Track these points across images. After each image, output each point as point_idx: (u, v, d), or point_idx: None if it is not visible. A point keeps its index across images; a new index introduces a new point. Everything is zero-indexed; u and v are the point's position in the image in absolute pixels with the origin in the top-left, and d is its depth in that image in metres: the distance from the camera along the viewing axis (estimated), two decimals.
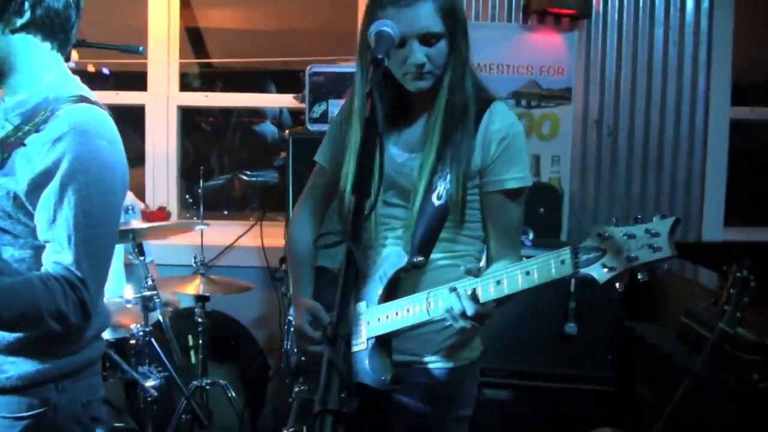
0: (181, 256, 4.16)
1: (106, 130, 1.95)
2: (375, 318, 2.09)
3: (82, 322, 1.91)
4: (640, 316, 3.94)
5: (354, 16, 4.55)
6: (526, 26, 4.49)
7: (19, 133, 1.92)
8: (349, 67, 3.90)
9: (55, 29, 1.97)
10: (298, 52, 4.82)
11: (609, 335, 3.84)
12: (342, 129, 2.26)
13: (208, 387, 3.75)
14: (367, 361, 2.09)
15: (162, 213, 4.71)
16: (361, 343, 2.11)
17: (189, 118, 5.37)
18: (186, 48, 5.40)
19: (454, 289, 1.91)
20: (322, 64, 3.96)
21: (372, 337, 2.10)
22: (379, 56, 1.69)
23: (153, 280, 3.32)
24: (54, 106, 1.92)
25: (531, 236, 4.09)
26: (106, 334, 3.30)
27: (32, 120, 1.92)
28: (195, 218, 4.50)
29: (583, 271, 1.71)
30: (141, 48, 2.89)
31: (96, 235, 1.90)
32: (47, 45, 1.98)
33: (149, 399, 3.19)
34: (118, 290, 3.73)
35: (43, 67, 1.98)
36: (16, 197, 1.88)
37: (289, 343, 2.38)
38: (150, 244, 3.91)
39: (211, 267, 4.27)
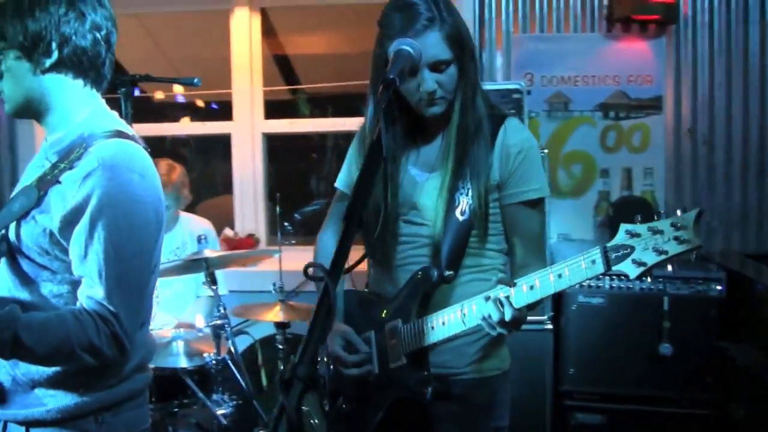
0: (265, 283, 4.16)
1: (136, 164, 1.94)
2: (411, 334, 2.13)
3: (118, 356, 1.90)
4: (737, 336, 3.70)
5: None
6: (611, 35, 4.34)
7: (55, 171, 1.94)
8: None
9: (85, 67, 1.99)
10: None
11: (705, 356, 3.63)
12: (359, 153, 2.34)
13: None
14: (405, 376, 2.14)
15: (250, 240, 4.75)
16: (399, 359, 2.15)
17: (286, 144, 5.44)
18: (276, 75, 5.48)
19: (489, 297, 1.96)
20: None
21: (409, 353, 2.13)
22: (391, 77, 1.67)
23: (225, 309, 3.32)
24: (88, 142, 1.93)
25: None
26: (184, 363, 3.35)
27: (68, 157, 1.94)
28: (293, 242, 4.51)
29: (615, 268, 1.77)
30: (196, 80, 2.95)
31: (128, 268, 1.89)
32: (80, 82, 2.00)
33: (222, 426, 3.18)
34: (179, 313, 3.79)
35: (76, 105, 2.00)
36: (51, 234, 1.90)
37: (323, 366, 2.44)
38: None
39: (299, 292, 4.26)
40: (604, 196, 4.36)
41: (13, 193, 2.02)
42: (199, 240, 3.43)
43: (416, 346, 2.11)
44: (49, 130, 2.03)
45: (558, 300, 3.78)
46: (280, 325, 3.71)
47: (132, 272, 1.91)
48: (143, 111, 5.73)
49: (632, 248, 1.73)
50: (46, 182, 1.94)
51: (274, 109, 4.97)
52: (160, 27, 5.47)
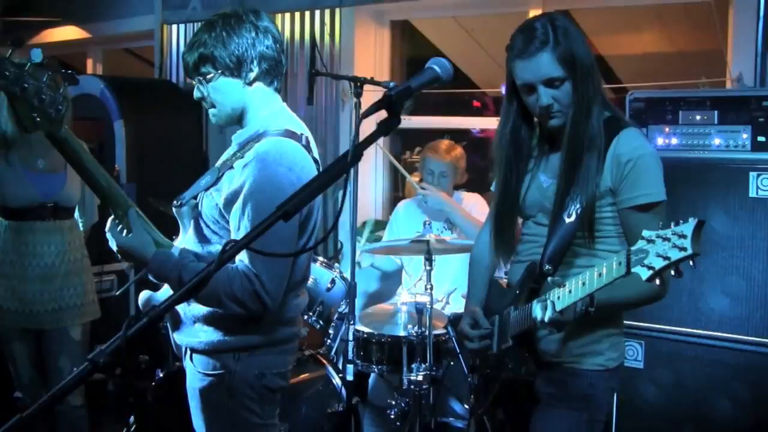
0: None
1: (286, 159, 2.33)
2: (516, 320, 2.44)
3: (261, 310, 2.30)
4: None
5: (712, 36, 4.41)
6: None
7: (233, 158, 2.43)
8: (671, 91, 3.86)
9: (273, 73, 2.48)
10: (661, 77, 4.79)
11: None
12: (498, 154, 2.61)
13: None
14: (510, 355, 2.50)
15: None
16: (507, 342, 2.48)
17: None
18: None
19: (542, 299, 2.25)
20: (645, 90, 3.94)
21: (514, 335, 2.45)
22: (391, 93, 1.70)
23: (431, 288, 3.63)
24: (260, 138, 2.38)
25: None
26: (402, 332, 3.80)
27: (243, 149, 2.43)
28: None
29: (633, 270, 1.94)
30: (392, 83, 3.31)
31: (269, 242, 2.27)
32: (271, 88, 2.49)
33: (416, 392, 3.54)
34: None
35: (262, 105, 2.47)
36: (219, 209, 2.39)
37: None
38: None
39: None
40: None
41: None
42: (424, 225, 3.80)
43: (518, 330, 2.42)
44: (241, 126, 2.52)
45: None
46: None
47: (273, 245, 2.24)
48: (458, 106, 6.27)
49: (647, 253, 1.90)
50: (225, 166, 2.44)
51: None
52: (476, 27, 5.90)
